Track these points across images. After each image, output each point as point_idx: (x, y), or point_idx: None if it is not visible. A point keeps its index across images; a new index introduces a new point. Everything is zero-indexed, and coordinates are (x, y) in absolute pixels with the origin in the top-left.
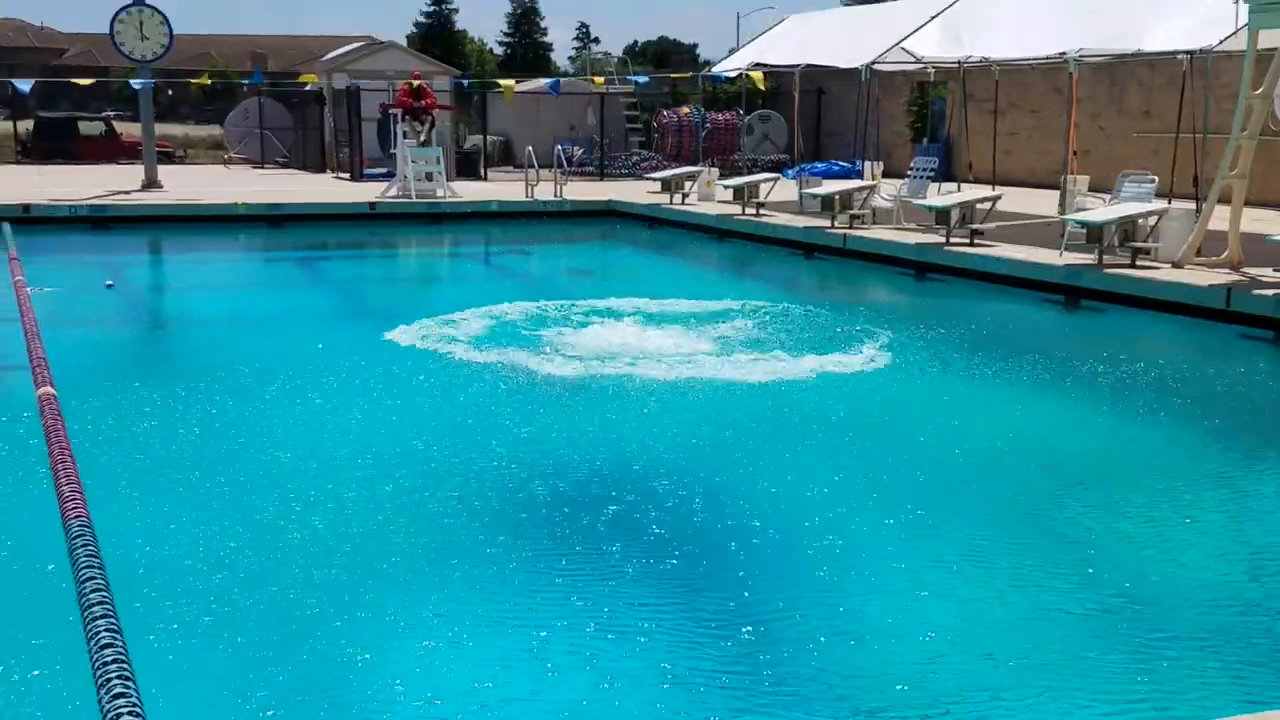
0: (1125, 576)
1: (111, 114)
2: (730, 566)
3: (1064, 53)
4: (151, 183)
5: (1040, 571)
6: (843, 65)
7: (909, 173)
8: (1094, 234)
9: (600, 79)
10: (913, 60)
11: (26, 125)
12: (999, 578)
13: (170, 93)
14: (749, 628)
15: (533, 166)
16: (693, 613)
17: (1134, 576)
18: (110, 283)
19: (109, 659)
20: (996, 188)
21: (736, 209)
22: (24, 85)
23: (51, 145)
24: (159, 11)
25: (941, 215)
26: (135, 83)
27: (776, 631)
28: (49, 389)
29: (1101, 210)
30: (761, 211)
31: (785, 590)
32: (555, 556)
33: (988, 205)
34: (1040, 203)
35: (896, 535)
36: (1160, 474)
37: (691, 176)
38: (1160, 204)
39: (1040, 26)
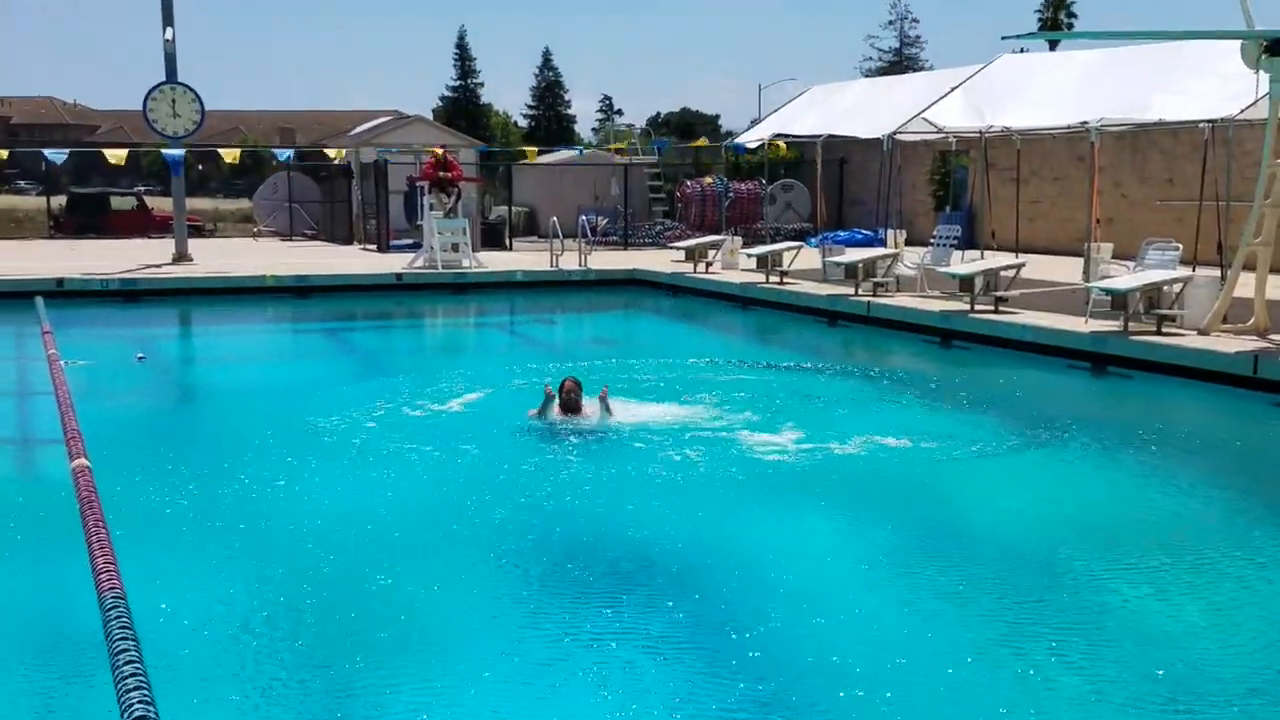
0: (1174, 655)
1: (143, 189)
2: (751, 633)
3: (1085, 122)
4: (182, 256)
5: (1086, 652)
6: (865, 135)
7: (932, 240)
8: (1119, 301)
9: (622, 145)
10: (934, 130)
11: (59, 200)
12: (1043, 656)
13: (200, 168)
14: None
15: (557, 236)
16: (712, 683)
17: (1182, 655)
18: (142, 355)
19: None
20: (1020, 255)
21: (760, 277)
22: (57, 155)
23: (84, 220)
24: (191, 89)
25: (965, 283)
26: (169, 153)
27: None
28: (83, 460)
29: (1126, 278)
30: (785, 280)
31: (821, 664)
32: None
33: (1011, 273)
34: (1064, 270)
35: (939, 612)
36: (1207, 547)
37: (715, 245)
38: (1185, 271)
39: (1061, 96)
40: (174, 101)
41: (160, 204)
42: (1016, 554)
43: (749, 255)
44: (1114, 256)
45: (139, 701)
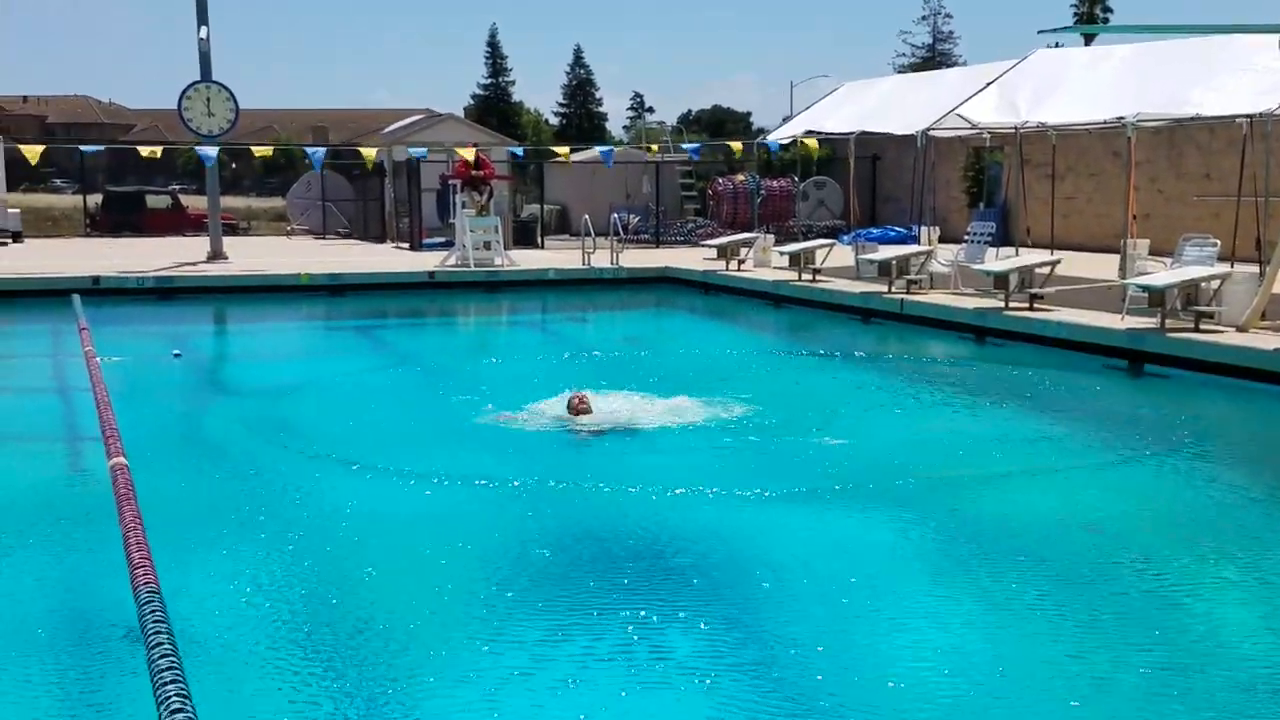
0: (1231, 659)
1: (177, 187)
2: (789, 644)
3: (1122, 117)
4: (217, 254)
5: (1145, 666)
6: (898, 131)
7: (966, 237)
8: (1156, 298)
9: (655, 146)
10: (969, 126)
11: (95, 199)
12: (1101, 668)
13: (234, 166)
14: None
15: (589, 234)
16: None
17: (1240, 659)
18: (178, 353)
19: None
20: (1055, 252)
21: (792, 275)
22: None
23: (119, 218)
24: (225, 88)
25: (1000, 280)
26: (203, 151)
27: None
28: (121, 459)
29: (1163, 274)
30: (818, 277)
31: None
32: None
33: (1046, 270)
34: (1100, 267)
35: (989, 620)
36: (1263, 549)
37: (747, 243)
38: (1223, 268)
39: (1097, 91)
40: (209, 100)
41: (195, 202)
42: (1068, 559)
43: (781, 253)
44: (1150, 253)
45: (176, 695)
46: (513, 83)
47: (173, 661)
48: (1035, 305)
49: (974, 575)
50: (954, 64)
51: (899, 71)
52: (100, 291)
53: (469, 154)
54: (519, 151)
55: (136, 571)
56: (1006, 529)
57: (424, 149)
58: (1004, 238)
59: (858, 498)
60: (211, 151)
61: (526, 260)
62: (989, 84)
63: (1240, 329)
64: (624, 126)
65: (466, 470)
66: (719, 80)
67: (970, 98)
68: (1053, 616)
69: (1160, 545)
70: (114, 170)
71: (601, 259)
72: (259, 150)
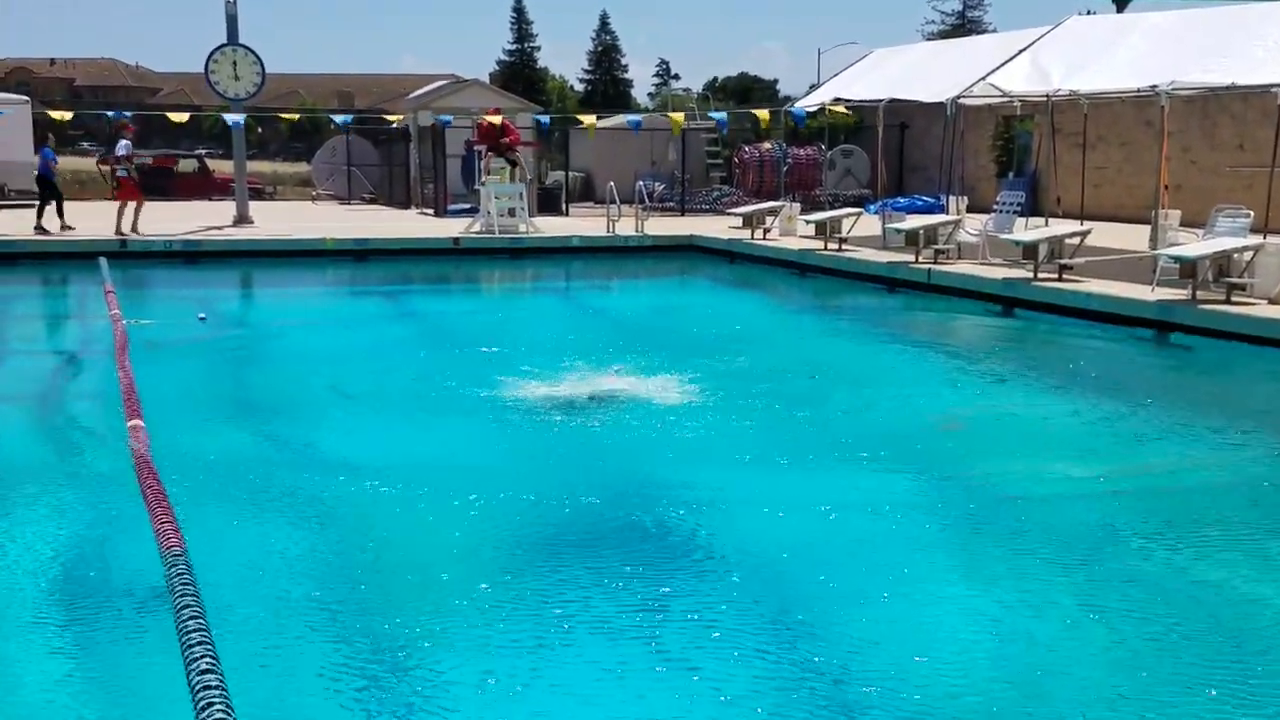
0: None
1: (204, 152)
2: (818, 603)
3: (1155, 86)
4: (243, 218)
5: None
6: (927, 99)
7: (995, 207)
8: (1187, 269)
9: (680, 115)
10: (999, 94)
11: None
12: (1127, 641)
13: (260, 130)
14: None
15: (614, 202)
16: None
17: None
18: (203, 315)
19: (211, 683)
20: (1085, 222)
21: (818, 244)
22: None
23: (146, 182)
24: (252, 51)
25: (1029, 250)
26: (229, 117)
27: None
28: (138, 421)
29: (1195, 245)
30: (844, 246)
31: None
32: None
33: (1076, 240)
34: (1130, 238)
35: (1008, 586)
36: None
37: (773, 211)
38: (1255, 239)
39: (1130, 60)
40: (235, 64)
41: (221, 167)
42: (1092, 528)
43: (807, 222)
44: (1182, 224)
45: (204, 657)
46: (538, 49)
47: (201, 624)
48: (1064, 276)
49: (1000, 542)
50: (984, 31)
51: (928, 39)
52: (127, 255)
53: (493, 119)
54: (544, 120)
55: (163, 535)
56: (1032, 500)
57: (449, 115)
58: (1033, 207)
59: (873, 463)
60: (238, 116)
61: (551, 227)
62: (1020, 51)
63: (1273, 301)
64: (649, 94)
65: (494, 433)
66: (746, 47)
67: (1001, 65)
68: (1092, 588)
69: (1185, 515)
70: (141, 134)
71: (626, 227)
72: (285, 115)
